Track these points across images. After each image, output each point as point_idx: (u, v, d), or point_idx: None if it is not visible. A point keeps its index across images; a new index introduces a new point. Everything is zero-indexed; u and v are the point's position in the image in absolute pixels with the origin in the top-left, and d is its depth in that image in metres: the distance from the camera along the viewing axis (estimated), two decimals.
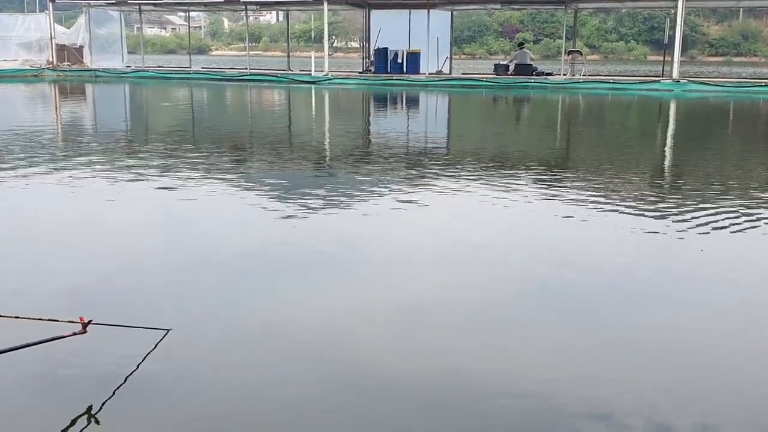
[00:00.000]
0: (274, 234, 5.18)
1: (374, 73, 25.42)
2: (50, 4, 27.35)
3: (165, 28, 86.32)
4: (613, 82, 23.32)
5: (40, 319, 2.88)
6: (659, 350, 3.23)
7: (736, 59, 62.46)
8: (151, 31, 76.56)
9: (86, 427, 2.55)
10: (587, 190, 6.77)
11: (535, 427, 2.60)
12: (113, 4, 28.39)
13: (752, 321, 3.61)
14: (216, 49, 76.36)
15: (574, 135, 12.72)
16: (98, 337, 2.97)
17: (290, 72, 27.01)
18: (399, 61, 25.33)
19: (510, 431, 2.60)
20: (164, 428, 2.58)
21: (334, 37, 63.88)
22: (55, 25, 28.30)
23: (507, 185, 6.93)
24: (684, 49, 25.78)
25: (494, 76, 24.70)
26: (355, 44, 61.81)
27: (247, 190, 6.72)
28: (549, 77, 24.00)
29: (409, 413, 2.66)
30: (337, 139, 11.66)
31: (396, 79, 24.26)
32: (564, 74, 24.59)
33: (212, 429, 2.57)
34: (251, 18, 40.18)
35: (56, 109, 16.91)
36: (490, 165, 8.47)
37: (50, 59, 27.80)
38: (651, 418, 2.64)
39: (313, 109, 18.37)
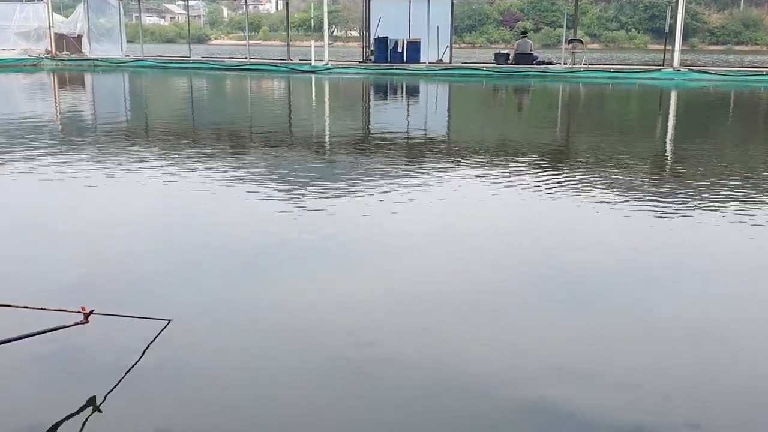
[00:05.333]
0: (276, 224, 5.17)
1: (374, 62, 25.34)
2: None
3: (164, 17, 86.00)
4: (613, 71, 23.26)
5: (42, 309, 2.88)
6: (659, 341, 3.23)
7: (737, 48, 62.25)
8: (149, 20, 76.29)
9: (89, 417, 2.55)
10: (586, 180, 6.76)
11: (534, 417, 2.61)
12: None
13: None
14: (215, 39, 76.08)
15: (573, 124, 12.69)
16: (100, 327, 2.98)
17: (290, 61, 26.92)
18: (399, 50, 25.26)
19: (510, 420, 2.61)
20: (166, 418, 2.59)
21: (333, 26, 63.62)
22: (54, 13, 28.18)
23: (505, 175, 6.92)
24: (685, 37, 25.68)
25: (495, 65, 24.64)
26: (354, 33, 61.56)
27: (250, 179, 6.70)
28: (549, 66, 23.93)
29: (412, 403, 2.67)
30: (337, 127, 11.63)
31: (396, 69, 24.19)
32: (565, 63, 24.52)
33: (213, 418, 2.57)
34: (250, 7, 40.07)
35: (56, 98, 16.85)
36: (488, 154, 8.44)
37: (49, 48, 27.70)
38: (653, 413, 2.65)
39: (313, 98, 18.32)
